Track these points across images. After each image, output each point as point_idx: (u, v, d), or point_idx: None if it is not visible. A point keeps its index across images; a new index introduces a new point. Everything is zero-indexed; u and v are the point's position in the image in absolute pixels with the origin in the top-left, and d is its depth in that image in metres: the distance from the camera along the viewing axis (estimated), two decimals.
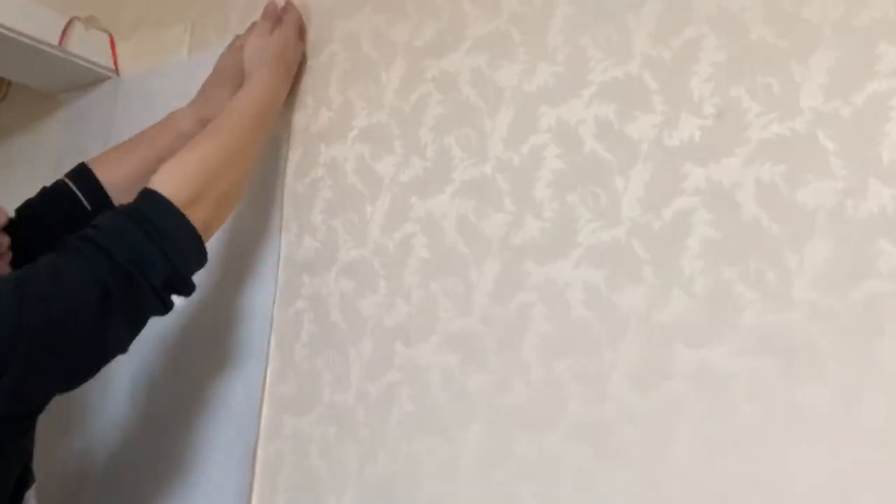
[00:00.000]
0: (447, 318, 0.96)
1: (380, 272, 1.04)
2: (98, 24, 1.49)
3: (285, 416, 1.09)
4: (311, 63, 1.18)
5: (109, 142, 1.47)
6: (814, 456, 0.70)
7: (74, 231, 1.06)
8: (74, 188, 1.06)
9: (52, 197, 1.07)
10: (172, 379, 1.22)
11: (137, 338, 0.91)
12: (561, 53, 0.93)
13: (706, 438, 0.76)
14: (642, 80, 0.86)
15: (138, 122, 1.42)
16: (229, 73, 1.17)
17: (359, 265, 1.06)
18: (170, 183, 0.91)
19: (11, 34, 1.35)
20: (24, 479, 0.90)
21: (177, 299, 0.93)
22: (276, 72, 1.11)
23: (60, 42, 1.41)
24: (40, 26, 1.39)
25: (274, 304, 1.13)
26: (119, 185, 1.09)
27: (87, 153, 1.52)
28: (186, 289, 0.93)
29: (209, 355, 1.17)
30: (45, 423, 0.93)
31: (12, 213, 0.99)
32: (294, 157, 1.17)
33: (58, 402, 0.89)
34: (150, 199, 0.90)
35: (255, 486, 1.09)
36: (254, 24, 1.22)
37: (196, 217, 0.91)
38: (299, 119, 1.18)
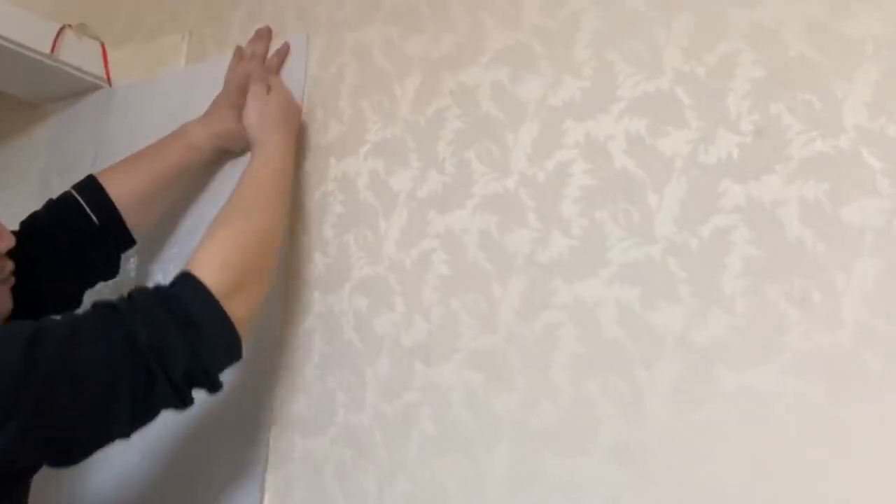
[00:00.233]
0: (470, 335, 0.94)
1: (396, 289, 1.01)
2: (90, 32, 1.45)
3: (296, 438, 1.05)
4: (320, 75, 1.16)
5: (100, 153, 1.43)
6: (863, 481, 0.69)
7: (81, 246, 1.03)
8: (82, 201, 1.02)
9: (58, 210, 1.03)
10: None
11: None
12: (588, 67, 0.92)
13: (750, 462, 0.74)
14: (675, 95, 0.85)
15: (131, 133, 1.39)
16: (234, 98, 1.14)
17: (373, 282, 1.04)
18: (209, 269, 0.85)
19: (2, 42, 1.30)
20: None
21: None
22: (287, 135, 1.07)
23: (52, 50, 1.36)
24: (32, 34, 1.34)
25: (281, 321, 1.10)
26: (128, 198, 1.05)
27: (76, 165, 1.48)
28: (211, 385, 0.85)
29: None
30: None
31: (13, 242, 0.93)
32: (302, 170, 1.14)
33: None
34: (187, 285, 0.84)
35: None
36: (240, 48, 1.21)
37: (236, 308, 0.85)
38: (307, 132, 1.15)
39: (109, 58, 1.47)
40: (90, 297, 1.10)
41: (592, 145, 0.90)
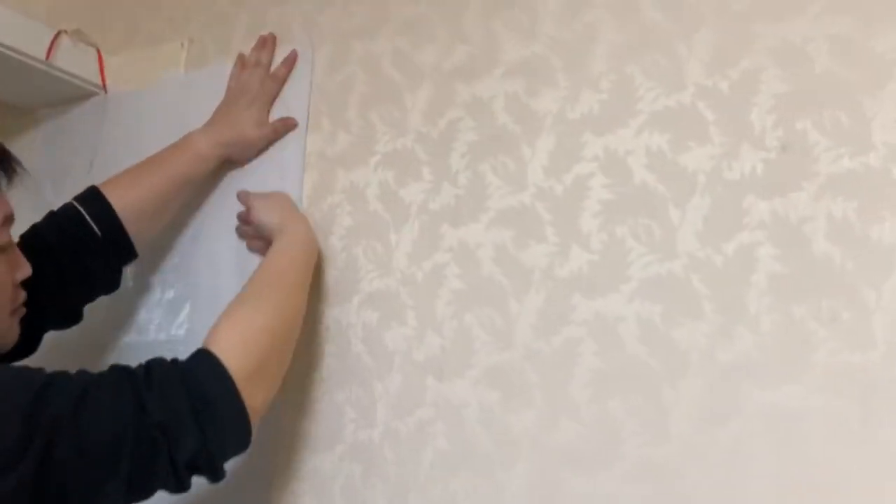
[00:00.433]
0: (485, 351, 0.93)
1: (408, 303, 1.00)
2: (85, 38, 1.42)
3: (304, 453, 1.03)
4: (327, 85, 1.14)
5: (95, 161, 1.40)
6: (893, 501, 0.69)
7: (83, 258, 1.00)
8: (84, 212, 0.99)
9: (60, 222, 1.00)
10: None
11: None
12: (606, 80, 0.91)
13: (778, 480, 0.73)
14: (697, 109, 0.84)
15: (127, 140, 1.37)
16: (237, 106, 1.13)
17: (384, 295, 1.02)
18: (232, 352, 0.80)
19: None
20: None
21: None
22: (304, 221, 1.04)
23: (48, 56, 1.34)
24: (27, 39, 1.31)
25: None
26: (131, 209, 1.02)
27: (70, 172, 1.45)
28: (213, 474, 0.79)
29: None
30: None
31: (30, 272, 0.89)
32: (309, 181, 1.12)
33: None
34: (207, 364, 0.79)
35: None
36: (242, 56, 1.20)
37: (252, 396, 0.80)
38: (314, 142, 1.13)
39: (105, 64, 1.44)
40: (90, 312, 1.08)
41: (612, 159, 0.89)
